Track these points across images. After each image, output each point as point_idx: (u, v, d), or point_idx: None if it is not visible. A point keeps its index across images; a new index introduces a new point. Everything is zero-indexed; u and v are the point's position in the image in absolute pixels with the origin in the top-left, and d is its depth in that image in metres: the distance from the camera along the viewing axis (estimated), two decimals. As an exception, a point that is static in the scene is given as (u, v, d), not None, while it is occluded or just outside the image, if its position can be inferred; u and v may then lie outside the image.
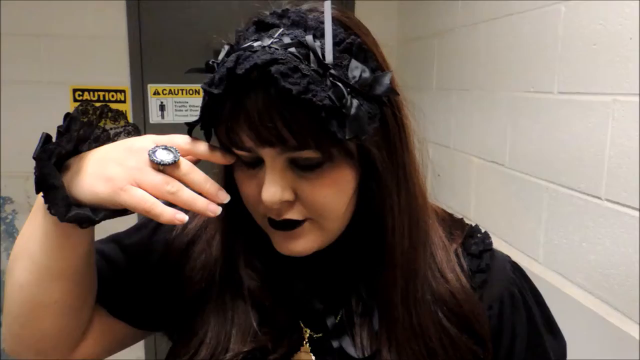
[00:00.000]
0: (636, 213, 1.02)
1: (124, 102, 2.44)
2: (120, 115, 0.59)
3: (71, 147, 0.54)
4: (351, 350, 0.58)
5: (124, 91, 2.44)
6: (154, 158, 0.51)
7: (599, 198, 1.13)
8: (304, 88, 0.47)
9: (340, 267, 0.60)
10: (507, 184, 1.53)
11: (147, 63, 2.45)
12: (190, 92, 2.48)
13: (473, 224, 0.67)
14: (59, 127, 0.54)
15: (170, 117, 2.49)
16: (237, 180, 0.57)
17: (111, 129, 0.58)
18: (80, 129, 0.55)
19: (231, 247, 0.62)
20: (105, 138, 0.57)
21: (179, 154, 0.53)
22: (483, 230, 0.66)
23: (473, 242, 0.63)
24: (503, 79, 1.56)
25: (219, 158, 0.55)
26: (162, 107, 2.49)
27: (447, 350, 0.57)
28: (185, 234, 0.67)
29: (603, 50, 1.12)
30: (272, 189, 0.52)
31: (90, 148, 0.55)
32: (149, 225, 0.69)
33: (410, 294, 0.58)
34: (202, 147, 0.55)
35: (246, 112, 0.49)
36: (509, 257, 0.66)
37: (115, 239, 0.70)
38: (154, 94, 2.47)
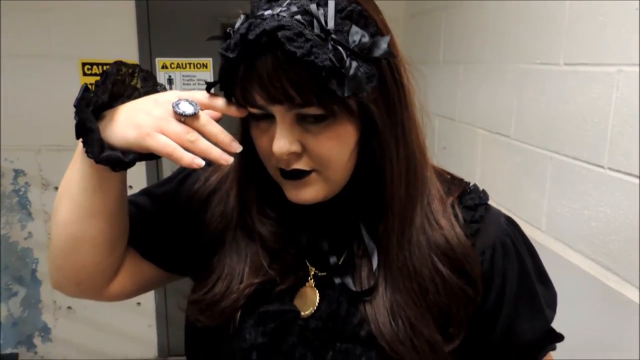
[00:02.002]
0: (637, 180, 1.05)
1: (133, 76, 2.46)
2: (149, 75, 0.66)
3: (106, 98, 0.61)
4: (351, 285, 0.64)
5: (132, 65, 2.46)
6: (177, 109, 0.59)
7: (602, 167, 1.16)
8: (307, 51, 0.52)
9: (344, 215, 0.66)
10: (512, 155, 1.55)
11: (155, 37, 2.47)
12: (198, 65, 2.50)
13: (472, 183, 0.71)
14: (96, 81, 0.62)
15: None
16: (252, 136, 0.63)
17: (142, 87, 0.65)
18: (114, 85, 0.62)
19: (246, 196, 0.69)
20: (137, 96, 0.64)
21: (198, 107, 0.59)
22: (481, 189, 0.70)
23: (469, 197, 0.69)
24: (510, 51, 1.57)
25: (233, 111, 0.61)
26: (170, 81, 2.51)
27: (438, 289, 0.63)
28: (207, 186, 0.74)
29: (609, 21, 1.14)
30: (282, 142, 0.58)
31: (123, 102, 0.62)
32: (176, 179, 0.77)
33: (406, 239, 0.64)
34: (219, 102, 0.62)
35: (257, 73, 0.55)
36: (503, 212, 0.70)
37: (146, 191, 0.78)
38: (162, 67, 2.49)
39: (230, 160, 0.58)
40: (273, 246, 0.67)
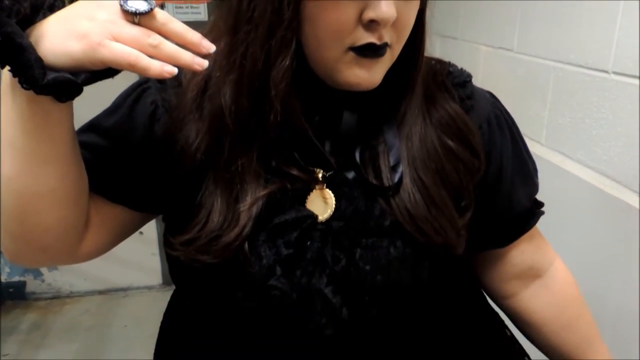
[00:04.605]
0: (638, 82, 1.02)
1: (123, -1, 2.37)
2: None
3: (29, 7, 0.48)
4: (370, 177, 0.62)
5: (122, -13, 2.36)
6: (128, 7, 0.47)
7: (606, 72, 1.12)
8: None
9: (360, 102, 0.62)
10: (514, 69, 1.51)
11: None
12: (191, -13, 2.40)
13: (449, 62, 0.71)
14: None
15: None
16: (317, 9, 0.53)
17: None
18: None
19: (246, 98, 0.57)
20: (61, 5, 0.51)
21: (153, 2, 0.48)
22: (459, 67, 0.71)
23: (455, 75, 0.68)
24: (515, -41, 1.49)
25: None
26: (162, 6, 2.42)
27: (451, 165, 0.63)
28: (178, 106, 0.63)
29: None
30: (391, 7, 0.52)
31: (45, 17, 0.49)
32: (124, 105, 0.65)
33: (420, 122, 0.63)
34: None
35: None
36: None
37: (90, 126, 0.66)
38: (153, -10, 2.39)
39: (205, 64, 0.48)
40: (275, 151, 0.60)
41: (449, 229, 0.61)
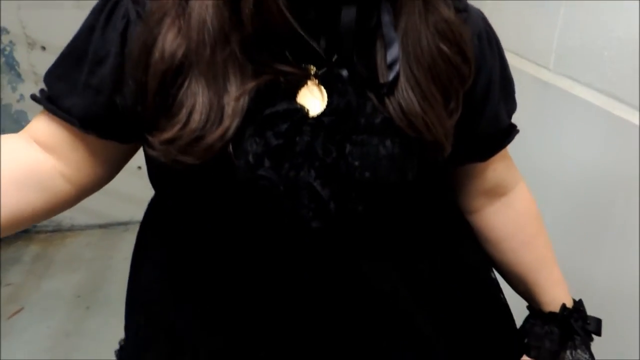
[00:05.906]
0: (660, -4, 0.98)
1: None
2: None
3: None
4: (365, 74, 0.60)
5: None
6: None
7: (622, -12, 1.07)
8: None
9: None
10: (524, -9, 1.45)
11: None
12: None
13: None
14: None
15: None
16: None
17: None
18: None
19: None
20: None
21: None
22: None
23: None
24: None
25: None
26: None
27: (444, 65, 0.62)
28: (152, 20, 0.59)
29: None
30: None
31: None
32: (98, 25, 0.62)
33: (417, 20, 0.61)
34: None
35: None
36: None
37: (67, 56, 0.64)
38: None
39: None
40: (264, 49, 0.57)
41: (438, 126, 0.61)
